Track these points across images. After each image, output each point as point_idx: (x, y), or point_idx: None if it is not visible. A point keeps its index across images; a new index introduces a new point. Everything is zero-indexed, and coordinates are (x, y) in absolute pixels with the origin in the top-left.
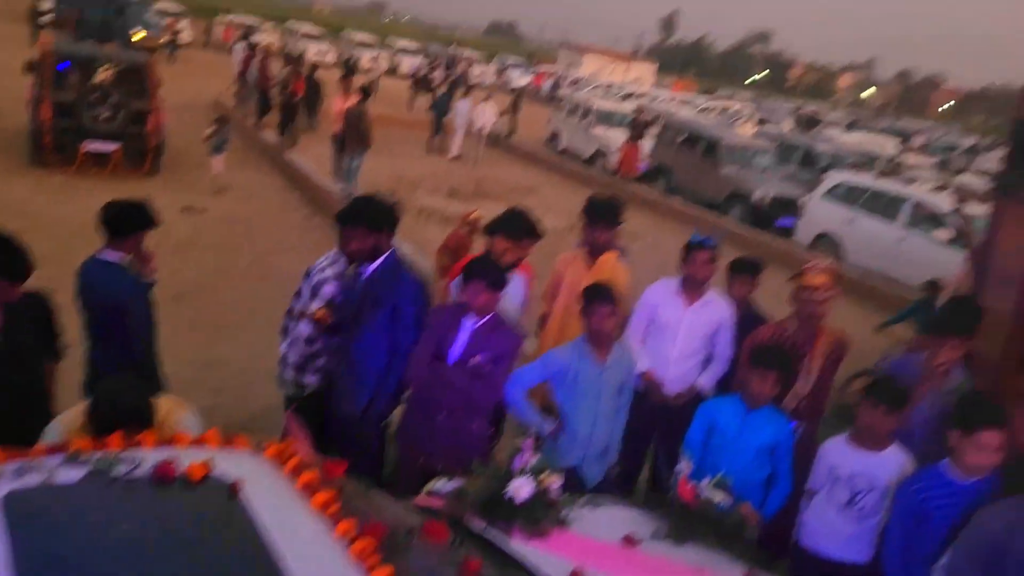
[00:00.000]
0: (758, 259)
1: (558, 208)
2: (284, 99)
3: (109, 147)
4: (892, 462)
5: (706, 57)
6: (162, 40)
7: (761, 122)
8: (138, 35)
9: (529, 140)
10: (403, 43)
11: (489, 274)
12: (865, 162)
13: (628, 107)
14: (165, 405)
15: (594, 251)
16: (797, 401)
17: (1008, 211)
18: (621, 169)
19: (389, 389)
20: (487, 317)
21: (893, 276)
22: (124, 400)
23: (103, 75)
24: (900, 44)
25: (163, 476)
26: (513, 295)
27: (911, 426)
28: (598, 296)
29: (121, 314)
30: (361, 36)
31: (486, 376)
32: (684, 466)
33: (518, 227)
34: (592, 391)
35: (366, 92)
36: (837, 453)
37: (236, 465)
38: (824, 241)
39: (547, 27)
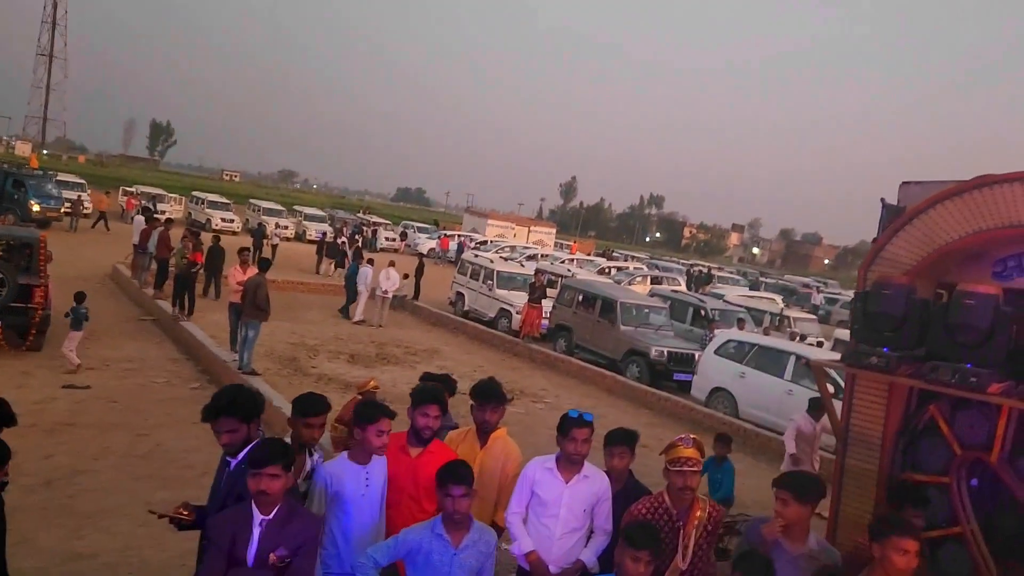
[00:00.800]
0: (633, 431)
1: (460, 370)
2: (180, 268)
3: None
4: None
5: (604, 219)
6: (62, 211)
7: (656, 280)
8: (36, 207)
9: (434, 302)
10: (310, 210)
11: (274, 456)
12: (754, 316)
13: (529, 269)
14: None
15: (483, 430)
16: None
17: (859, 377)
18: (523, 329)
19: None
20: (276, 509)
21: (782, 428)
22: None
23: None
24: (781, 206)
25: None
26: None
27: None
28: (452, 476)
29: None
30: (267, 204)
31: (294, 570)
32: None
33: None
34: (443, 572)
35: (265, 265)
36: None
37: None
38: (719, 395)
39: (453, 193)
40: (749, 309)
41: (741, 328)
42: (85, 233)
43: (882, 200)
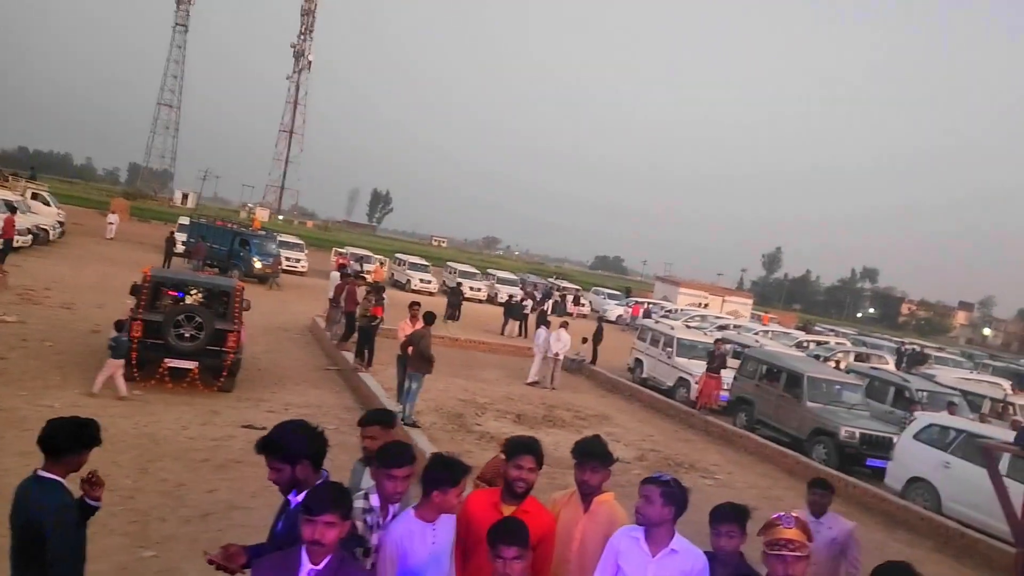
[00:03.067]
0: (743, 506)
1: (629, 438)
2: (362, 322)
3: (188, 364)
4: None
5: (811, 292)
6: (278, 268)
7: (860, 358)
8: (258, 264)
9: (613, 368)
10: (503, 273)
11: (333, 504)
12: (970, 401)
13: (712, 337)
14: None
15: (584, 493)
16: None
17: None
18: (700, 400)
19: None
20: (327, 560)
21: (995, 530)
22: None
23: (192, 299)
24: (1020, 284)
25: None
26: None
27: None
28: (504, 535)
29: (41, 539)
30: (463, 266)
31: None
32: None
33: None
34: None
35: (430, 318)
36: None
37: None
38: (918, 486)
39: (651, 262)
40: (965, 393)
41: (951, 413)
42: (299, 289)
43: None
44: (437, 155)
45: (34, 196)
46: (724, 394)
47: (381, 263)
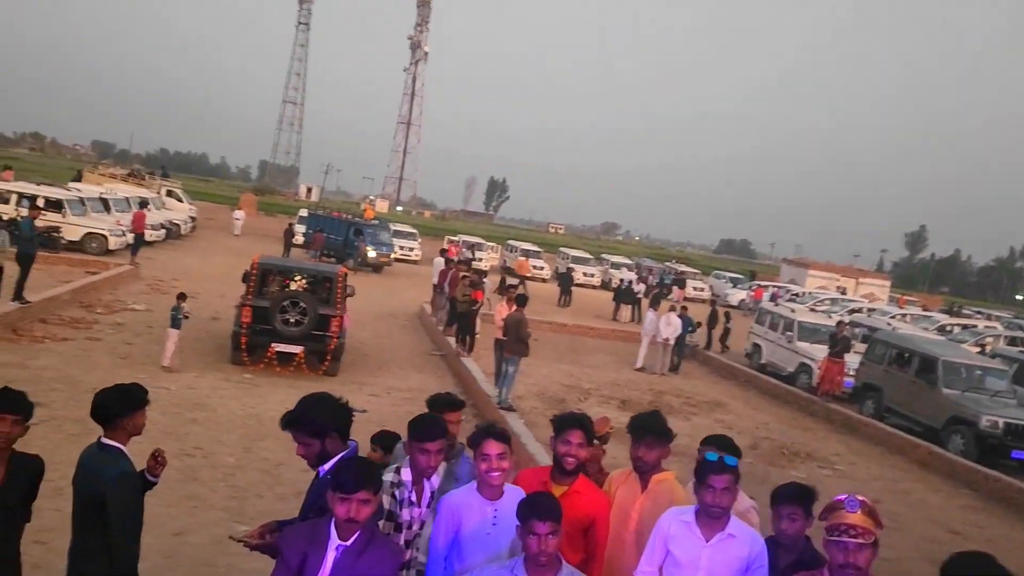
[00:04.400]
0: (808, 487)
1: (741, 426)
2: (463, 307)
3: (294, 349)
4: None
5: (961, 273)
6: (392, 256)
7: (1014, 341)
8: (371, 252)
9: (730, 354)
10: (616, 258)
11: (366, 482)
12: None
13: (837, 321)
14: None
15: (640, 470)
16: None
17: None
18: (821, 386)
19: None
20: (356, 535)
21: None
22: None
23: (296, 285)
24: None
25: None
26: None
27: None
28: (536, 510)
29: (102, 505)
30: (576, 252)
31: None
32: None
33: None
34: None
35: (522, 300)
36: None
37: None
38: None
39: (780, 244)
40: None
41: None
42: (411, 277)
43: None
44: (555, 141)
45: (168, 193)
46: (848, 380)
47: (526, 255)
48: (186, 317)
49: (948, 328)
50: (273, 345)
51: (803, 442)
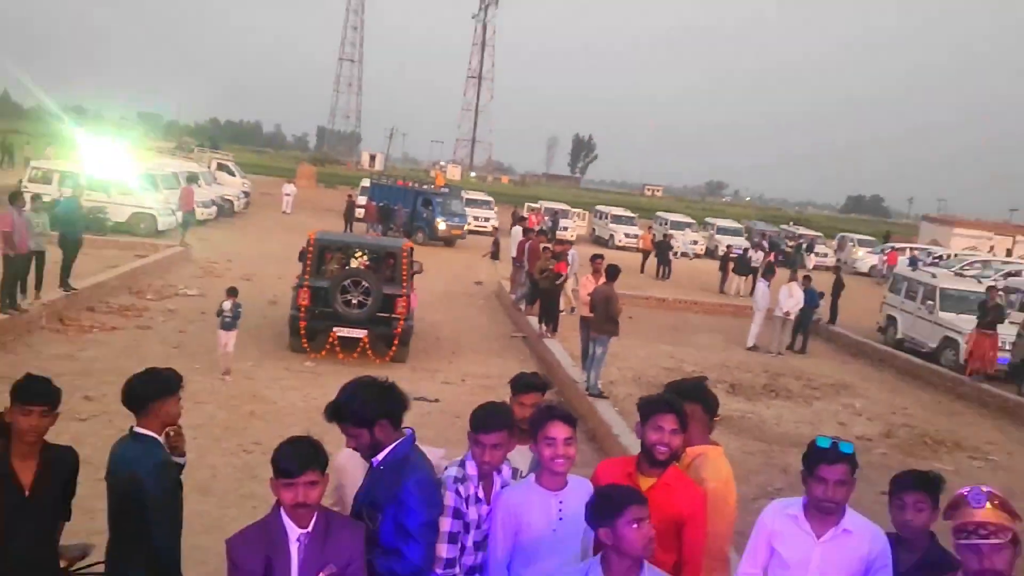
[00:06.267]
0: (936, 474)
1: (874, 411)
2: (544, 283)
3: (358, 333)
4: None
5: None
6: (465, 228)
7: None
8: (442, 225)
9: (860, 329)
10: (724, 222)
11: (308, 461)
12: None
13: (988, 287)
14: None
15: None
16: None
17: None
18: (971, 363)
19: None
20: (313, 520)
21: None
22: None
23: (357, 262)
24: None
25: None
26: None
27: None
28: (622, 500)
29: (140, 497)
30: (675, 216)
31: None
32: None
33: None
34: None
35: (613, 272)
36: None
37: None
38: None
39: (919, 200)
40: None
41: None
42: (485, 249)
43: None
44: (647, 95)
45: (220, 167)
46: (1003, 356)
47: (649, 228)
48: (237, 316)
49: None
50: (335, 330)
51: (949, 428)
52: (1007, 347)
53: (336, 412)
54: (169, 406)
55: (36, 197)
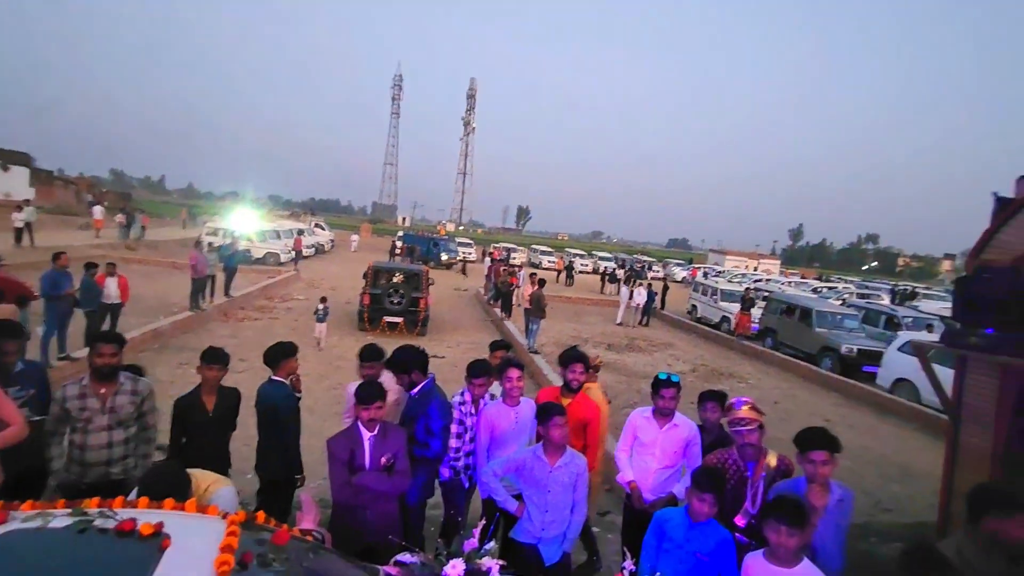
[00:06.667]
0: (719, 390)
1: (686, 358)
2: (504, 288)
3: (397, 319)
4: None
5: (826, 255)
6: (456, 259)
7: (863, 296)
8: (444, 256)
9: (677, 312)
10: (603, 254)
11: (379, 395)
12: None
13: (745, 287)
14: (205, 482)
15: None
16: (748, 518)
17: (972, 361)
18: (737, 330)
19: (420, 478)
20: (377, 427)
21: None
22: (161, 480)
23: (397, 278)
24: None
25: (121, 530)
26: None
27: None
28: (551, 411)
29: (276, 415)
30: (576, 251)
31: (399, 468)
32: (627, 564)
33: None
34: (543, 485)
35: (542, 283)
36: (756, 569)
37: (183, 527)
38: (902, 384)
39: (708, 240)
40: (942, 318)
41: (930, 332)
42: (472, 272)
43: (994, 194)
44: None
45: (317, 225)
46: (755, 325)
47: (561, 257)
48: (327, 313)
49: (818, 290)
50: (384, 318)
51: (726, 366)
52: (756, 321)
53: (391, 363)
54: (291, 363)
55: (209, 244)
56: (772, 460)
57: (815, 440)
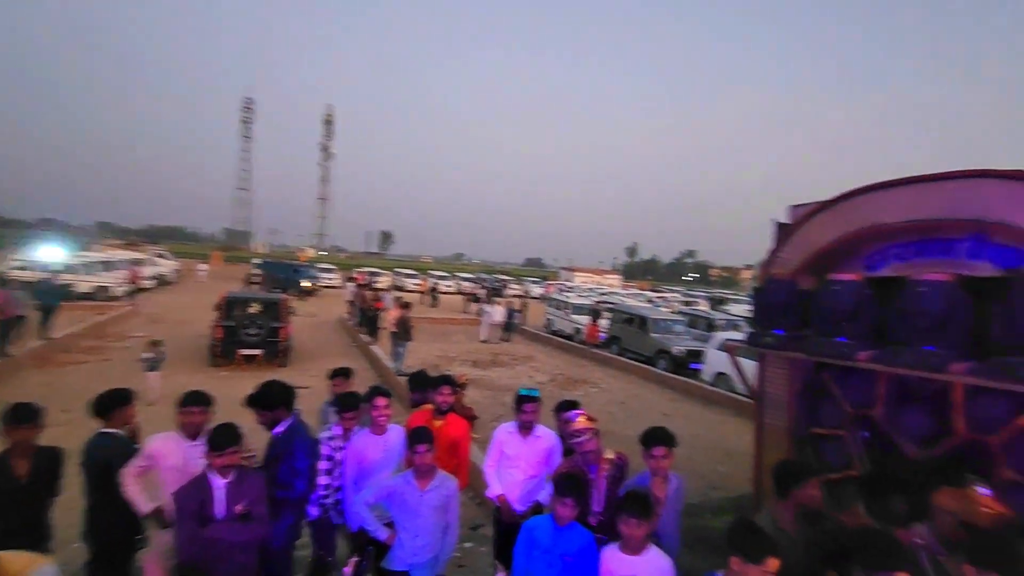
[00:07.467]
0: (574, 400)
1: (545, 368)
2: (370, 313)
3: (255, 352)
4: (651, 564)
5: (656, 269)
6: (318, 285)
7: (687, 303)
8: (305, 283)
9: (534, 326)
10: (465, 275)
11: (234, 439)
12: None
13: (593, 301)
14: (15, 565)
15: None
16: (596, 518)
17: (768, 357)
18: (588, 339)
19: (285, 521)
20: (232, 474)
21: None
22: None
23: (254, 308)
24: None
25: None
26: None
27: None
28: (418, 436)
29: (110, 471)
30: (440, 273)
31: (256, 518)
32: (500, 574)
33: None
34: (413, 510)
35: (407, 305)
36: (611, 560)
37: None
38: (721, 377)
39: (559, 258)
40: (747, 318)
41: (738, 332)
42: (334, 297)
43: (774, 220)
44: (429, 196)
45: (159, 255)
46: (602, 334)
47: (425, 279)
48: (160, 359)
49: (652, 300)
50: (240, 351)
51: (580, 374)
52: (604, 330)
53: (252, 401)
54: (127, 412)
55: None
56: (610, 456)
57: (655, 438)
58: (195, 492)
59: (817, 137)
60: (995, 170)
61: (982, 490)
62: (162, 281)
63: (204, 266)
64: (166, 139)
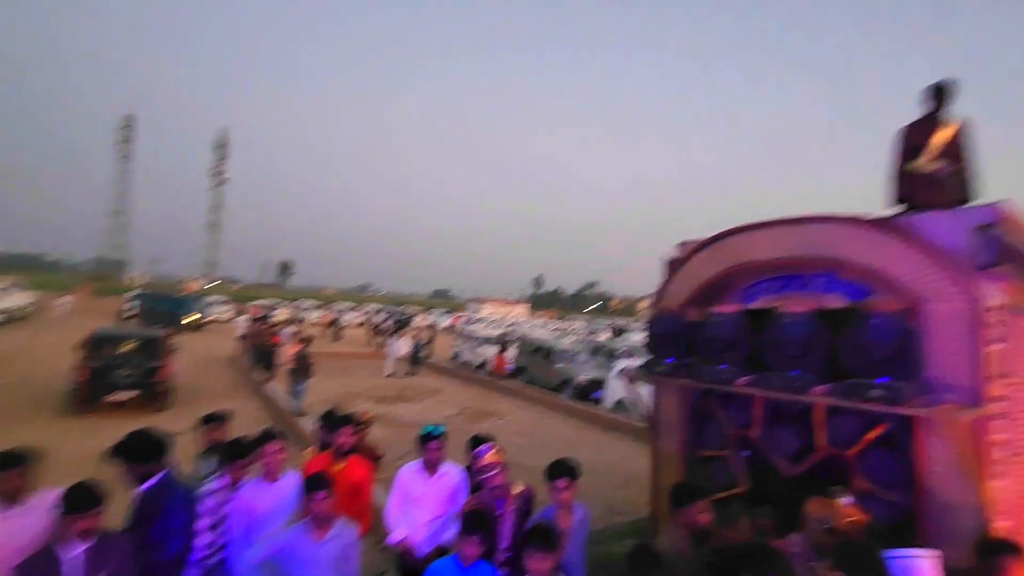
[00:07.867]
0: (484, 435)
1: (454, 401)
2: (265, 348)
3: (129, 395)
4: None
5: (560, 298)
6: (207, 319)
7: (591, 332)
8: (191, 317)
9: (442, 359)
10: (373, 306)
11: (96, 500)
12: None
13: (500, 332)
14: None
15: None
16: (504, 554)
17: (660, 383)
18: (495, 371)
19: None
20: (93, 539)
21: None
22: None
23: (127, 346)
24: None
25: None
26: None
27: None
28: (315, 483)
29: None
30: (344, 304)
31: None
32: None
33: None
34: (310, 563)
35: (307, 341)
36: None
37: None
38: (621, 404)
39: (467, 289)
40: (643, 348)
41: (635, 359)
42: (225, 333)
43: (664, 257)
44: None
45: (12, 286)
46: (509, 365)
47: (328, 311)
48: None
49: (557, 330)
50: (108, 396)
51: (488, 405)
52: (511, 361)
53: (118, 451)
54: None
55: None
56: (517, 489)
57: (558, 470)
58: (41, 565)
59: (700, 179)
60: (841, 215)
61: (845, 499)
62: (12, 317)
63: (66, 299)
64: (27, 154)
